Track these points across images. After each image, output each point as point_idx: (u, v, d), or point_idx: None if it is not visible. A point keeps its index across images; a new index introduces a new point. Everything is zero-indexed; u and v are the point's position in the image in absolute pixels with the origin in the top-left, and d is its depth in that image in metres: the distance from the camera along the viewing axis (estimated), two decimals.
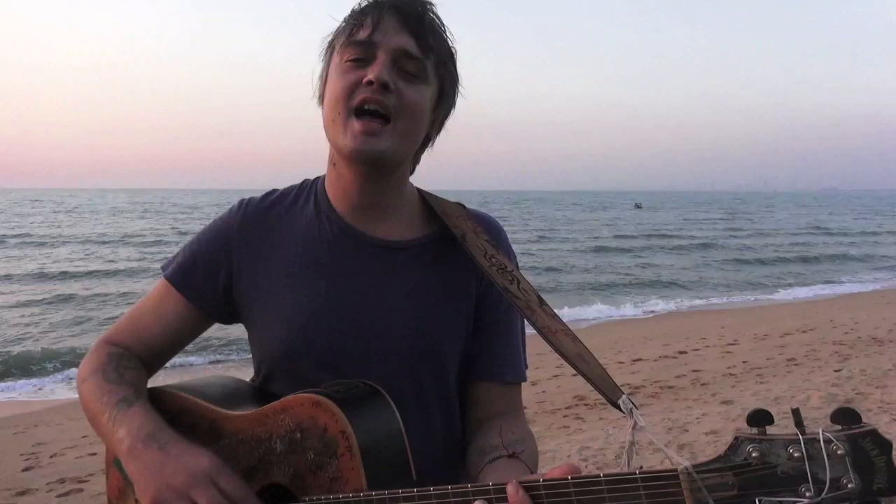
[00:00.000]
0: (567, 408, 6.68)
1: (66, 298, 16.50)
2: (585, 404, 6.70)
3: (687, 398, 6.80)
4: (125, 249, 28.24)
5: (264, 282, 1.07)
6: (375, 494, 0.88)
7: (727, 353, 8.85)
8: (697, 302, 16.61)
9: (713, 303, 16.47)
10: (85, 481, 5.30)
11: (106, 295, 17.12)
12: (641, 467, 0.75)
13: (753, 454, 0.71)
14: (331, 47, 1.04)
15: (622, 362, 8.69)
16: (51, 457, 6.08)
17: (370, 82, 0.95)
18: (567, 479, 0.78)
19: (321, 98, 1.04)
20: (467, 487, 0.83)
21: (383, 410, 0.95)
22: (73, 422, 7.59)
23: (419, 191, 1.15)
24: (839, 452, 0.68)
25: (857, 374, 7.14)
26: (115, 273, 21.28)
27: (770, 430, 0.73)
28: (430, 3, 1.03)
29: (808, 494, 0.68)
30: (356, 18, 0.99)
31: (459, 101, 1.08)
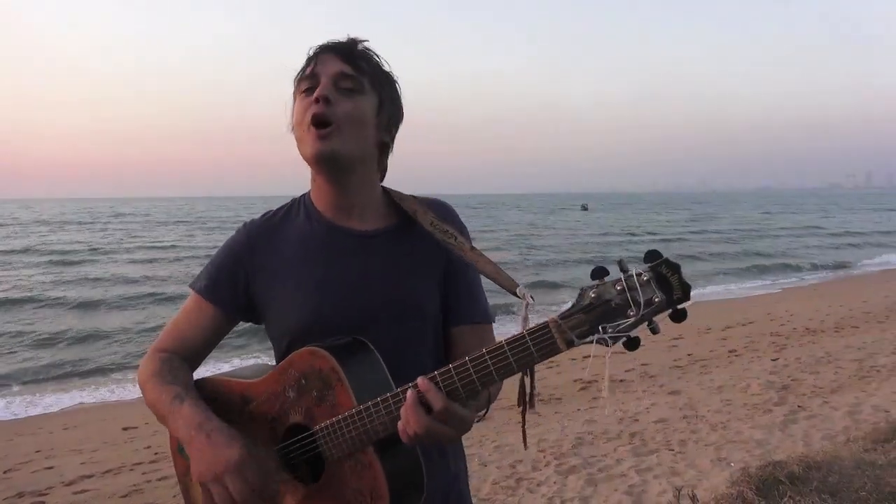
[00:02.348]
0: None
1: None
2: (540, 399, 6.95)
3: (636, 390, 7.11)
4: None
5: (273, 279, 1.32)
6: (363, 406, 1.13)
7: (673, 347, 9.24)
8: None
9: None
10: (45, 494, 5.24)
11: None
12: (526, 330, 0.99)
13: (593, 296, 0.94)
14: (294, 90, 1.30)
15: (574, 359, 8.99)
16: (4, 472, 5.96)
17: (316, 100, 1.20)
18: (483, 355, 1.02)
19: (292, 115, 1.29)
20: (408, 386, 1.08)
21: (363, 350, 1.20)
22: (22, 437, 7.42)
23: (385, 189, 1.39)
24: (646, 279, 0.92)
25: (792, 362, 7.59)
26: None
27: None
28: (362, 40, 1.28)
29: (631, 314, 0.92)
30: (306, 62, 1.26)
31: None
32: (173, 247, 34.51)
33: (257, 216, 1.40)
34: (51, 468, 5.96)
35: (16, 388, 10.09)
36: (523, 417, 1.19)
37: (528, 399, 1.13)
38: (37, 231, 48.28)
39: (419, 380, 1.06)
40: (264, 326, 1.37)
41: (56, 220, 63.84)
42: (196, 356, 1.38)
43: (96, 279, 22.24)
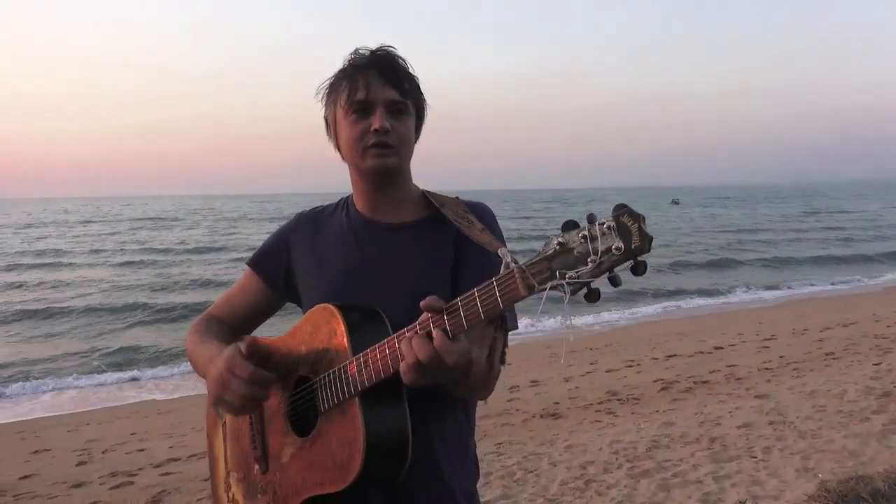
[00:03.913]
0: (599, 403, 6.73)
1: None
2: (618, 399, 6.75)
3: (720, 392, 6.79)
4: None
5: (308, 262, 1.48)
6: (354, 358, 1.19)
7: (764, 349, 8.77)
8: (735, 298, 16.39)
9: (746, 299, 16.26)
10: (135, 475, 5.57)
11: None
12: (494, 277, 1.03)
13: (557, 245, 0.95)
14: (332, 100, 1.40)
15: (656, 358, 8.70)
16: (102, 452, 6.38)
17: (376, 130, 1.33)
18: (456, 301, 1.08)
19: (335, 137, 1.42)
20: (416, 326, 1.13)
21: (375, 317, 1.27)
22: (121, 420, 7.93)
23: (423, 190, 1.49)
24: (608, 227, 0.91)
25: None
26: None
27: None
28: (397, 53, 1.38)
29: (590, 261, 0.92)
30: (353, 81, 1.34)
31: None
32: None
33: (308, 209, 1.59)
34: (143, 450, 6.33)
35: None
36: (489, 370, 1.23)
37: (498, 356, 1.20)
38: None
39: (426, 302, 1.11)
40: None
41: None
42: (241, 326, 1.54)
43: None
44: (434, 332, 1.08)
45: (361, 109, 1.34)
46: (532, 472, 4.63)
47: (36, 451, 6.62)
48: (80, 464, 6.07)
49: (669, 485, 4.21)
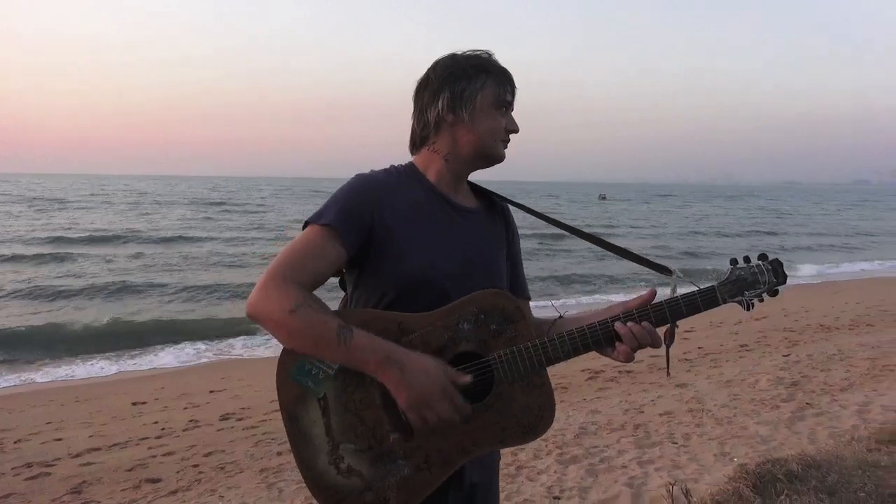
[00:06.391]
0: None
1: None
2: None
3: (644, 382, 7.07)
4: None
5: (396, 229, 1.46)
6: (548, 339, 1.45)
7: (683, 340, 9.17)
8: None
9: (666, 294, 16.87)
10: (52, 465, 5.33)
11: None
12: (683, 293, 1.50)
13: (737, 274, 1.52)
14: (468, 84, 1.53)
15: None
16: (14, 443, 6.07)
17: (513, 131, 1.58)
18: (661, 302, 1.49)
19: (467, 111, 1.52)
20: (607, 320, 1.47)
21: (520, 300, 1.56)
22: (34, 409, 7.55)
23: (470, 182, 1.69)
24: (765, 267, 1.52)
25: (804, 358, 7.49)
26: None
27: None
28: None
29: (758, 287, 1.51)
30: (502, 83, 1.55)
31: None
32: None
33: (367, 171, 1.56)
34: (60, 440, 6.06)
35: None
36: (667, 353, 1.63)
37: (672, 338, 1.55)
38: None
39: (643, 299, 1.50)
40: (356, 277, 1.50)
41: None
42: (315, 290, 1.42)
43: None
44: (647, 322, 1.47)
45: (504, 107, 1.56)
46: None
47: None
48: None
49: (597, 470, 4.37)
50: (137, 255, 22.63)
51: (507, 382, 1.42)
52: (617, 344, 1.47)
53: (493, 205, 1.68)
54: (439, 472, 1.41)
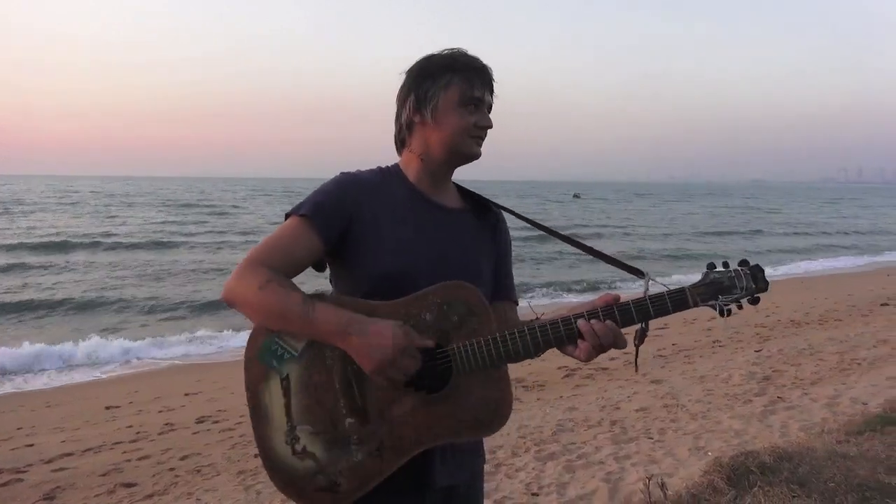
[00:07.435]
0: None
1: None
2: (524, 386, 6.98)
3: (619, 378, 7.15)
4: None
5: (374, 225, 1.51)
6: (508, 332, 1.43)
7: (657, 337, 9.28)
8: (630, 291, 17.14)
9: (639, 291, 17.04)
10: (24, 471, 5.23)
11: None
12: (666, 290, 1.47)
13: (713, 278, 1.47)
14: (432, 84, 1.54)
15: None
16: None
17: (485, 127, 1.56)
18: (628, 302, 1.46)
19: (430, 111, 1.54)
20: (570, 318, 1.45)
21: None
22: (4, 414, 7.40)
23: (455, 183, 1.71)
24: (744, 272, 1.46)
25: (775, 353, 7.65)
26: None
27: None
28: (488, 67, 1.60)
29: (735, 294, 1.45)
30: (468, 79, 1.54)
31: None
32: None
33: (353, 170, 1.61)
34: (31, 445, 5.95)
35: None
36: (636, 351, 1.54)
37: (642, 338, 1.49)
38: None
39: (601, 302, 1.47)
40: (337, 269, 1.55)
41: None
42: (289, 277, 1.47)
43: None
44: (611, 321, 1.44)
45: (473, 104, 1.54)
46: None
47: None
48: None
49: (574, 466, 4.42)
50: (110, 264, 22.18)
51: (465, 375, 1.42)
52: (579, 342, 1.44)
53: (481, 207, 1.68)
54: (392, 459, 1.41)
